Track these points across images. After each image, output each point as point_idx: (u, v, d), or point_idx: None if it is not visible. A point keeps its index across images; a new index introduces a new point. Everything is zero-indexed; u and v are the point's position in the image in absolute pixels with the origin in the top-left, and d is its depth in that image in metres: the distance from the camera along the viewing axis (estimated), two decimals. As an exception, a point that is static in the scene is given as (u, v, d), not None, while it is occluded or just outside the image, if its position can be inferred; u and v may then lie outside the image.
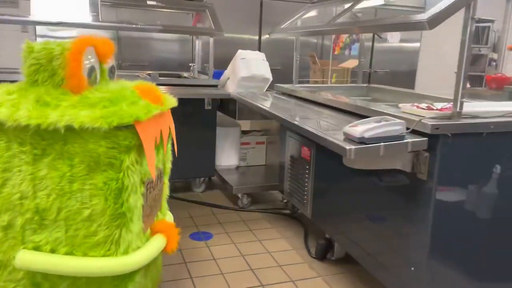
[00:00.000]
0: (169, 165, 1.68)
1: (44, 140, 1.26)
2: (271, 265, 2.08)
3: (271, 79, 2.77)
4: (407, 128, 1.40)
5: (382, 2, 2.42)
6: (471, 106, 1.51)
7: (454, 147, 1.39)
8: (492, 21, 6.68)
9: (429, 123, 1.36)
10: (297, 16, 2.60)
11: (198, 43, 3.05)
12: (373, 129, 1.35)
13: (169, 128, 1.57)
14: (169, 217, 1.75)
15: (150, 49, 3.96)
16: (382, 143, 1.34)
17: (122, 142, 1.27)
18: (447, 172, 1.41)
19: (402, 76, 5.03)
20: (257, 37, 4.31)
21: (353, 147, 1.32)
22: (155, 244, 1.47)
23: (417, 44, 5.11)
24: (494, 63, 6.55)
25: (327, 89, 2.61)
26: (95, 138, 1.25)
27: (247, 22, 4.24)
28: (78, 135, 1.25)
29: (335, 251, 2.12)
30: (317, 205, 2.20)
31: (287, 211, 2.75)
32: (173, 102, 1.56)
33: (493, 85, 3.95)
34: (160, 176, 1.59)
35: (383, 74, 4.90)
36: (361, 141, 1.34)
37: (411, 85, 5.07)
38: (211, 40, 2.76)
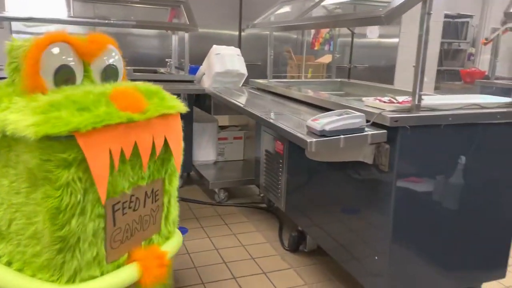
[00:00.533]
0: (174, 183, 1.47)
1: None
2: (245, 258, 2.11)
3: (246, 74, 2.78)
4: (367, 121, 1.43)
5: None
6: (431, 99, 1.55)
7: (413, 139, 1.43)
8: (471, 17, 6.81)
9: (389, 115, 1.40)
10: (270, 11, 2.62)
11: (174, 39, 3.04)
12: (333, 122, 1.38)
13: (165, 138, 1.34)
14: (175, 242, 1.52)
15: (130, 45, 3.93)
16: (342, 136, 1.37)
17: (59, 155, 1.09)
18: (407, 163, 1.45)
19: (382, 71, 5.10)
20: (237, 33, 4.32)
21: (313, 139, 1.35)
22: (118, 276, 1.27)
23: (396, 40, 5.17)
24: (473, 58, 6.69)
25: (301, 84, 2.64)
26: (30, 148, 1.11)
27: (227, 18, 4.24)
28: (17, 143, 1.14)
29: (308, 243, 2.16)
30: (290, 198, 2.23)
31: (264, 205, 2.79)
32: (171, 107, 1.34)
33: (468, 79, 4.05)
34: (151, 195, 1.39)
35: (363, 69, 4.95)
36: (322, 134, 1.37)
37: (391, 80, 5.14)
38: (186, 35, 2.76)
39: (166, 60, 3.21)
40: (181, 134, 1.43)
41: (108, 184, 1.19)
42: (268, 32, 2.67)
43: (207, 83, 2.75)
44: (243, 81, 2.86)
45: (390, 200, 1.47)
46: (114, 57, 1.41)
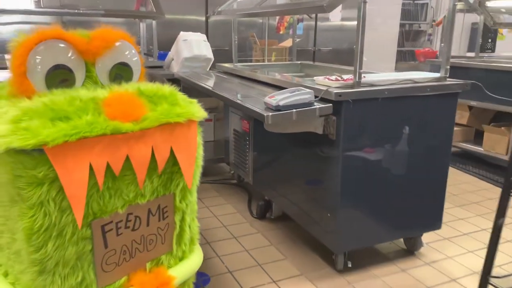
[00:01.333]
0: (189, 198, 1.29)
1: None
2: (217, 226, 2.33)
3: (212, 59, 2.95)
4: (316, 97, 1.66)
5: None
6: (371, 76, 1.79)
7: (355, 110, 1.67)
8: (430, -2, 7.16)
9: (334, 91, 1.62)
10: (233, -2, 2.79)
11: (142, 26, 3.16)
12: (287, 98, 1.59)
13: (171, 149, 1.17)
14: (190, 262, 1.36)
15: (97, 33, 3.99)
16: (294, 110, 1.59)
17: (30, 172, 0.97)
18: (351, 131, 1.69)
19: (345, 54, 5.34)
20: (204, 19, 4.44)
21: (270, 113, 1.56)
22: None
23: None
24: (431, 38, 7.06)
25: (264, 67, 2.84)
26: (2, 161, 0.99)
27: (193, 4, 4.34)
28: None
29: (274, 210, 2.39)
30: (257, 171, 2.46)
31: (234, 181, 3.00)
32: (181, 114, 1.16)
33: (421, 59, 4.36)
34: (157, 213, 1.24)
35: (327, 52, 5.18)
36: (277, 108, 1.58)
37: (353, 62, 5.40)
38: (154, 23, 2.90)
39: (136, 47, 3.33)
40: (194, 144, 1.24)
41: (95, 203, 1.09)
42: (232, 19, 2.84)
43: (176, 68, 2.91)
44: (210, 65, 3.02)
45: (338, 164, 1.71)
46: (126, 55, 1.23)
